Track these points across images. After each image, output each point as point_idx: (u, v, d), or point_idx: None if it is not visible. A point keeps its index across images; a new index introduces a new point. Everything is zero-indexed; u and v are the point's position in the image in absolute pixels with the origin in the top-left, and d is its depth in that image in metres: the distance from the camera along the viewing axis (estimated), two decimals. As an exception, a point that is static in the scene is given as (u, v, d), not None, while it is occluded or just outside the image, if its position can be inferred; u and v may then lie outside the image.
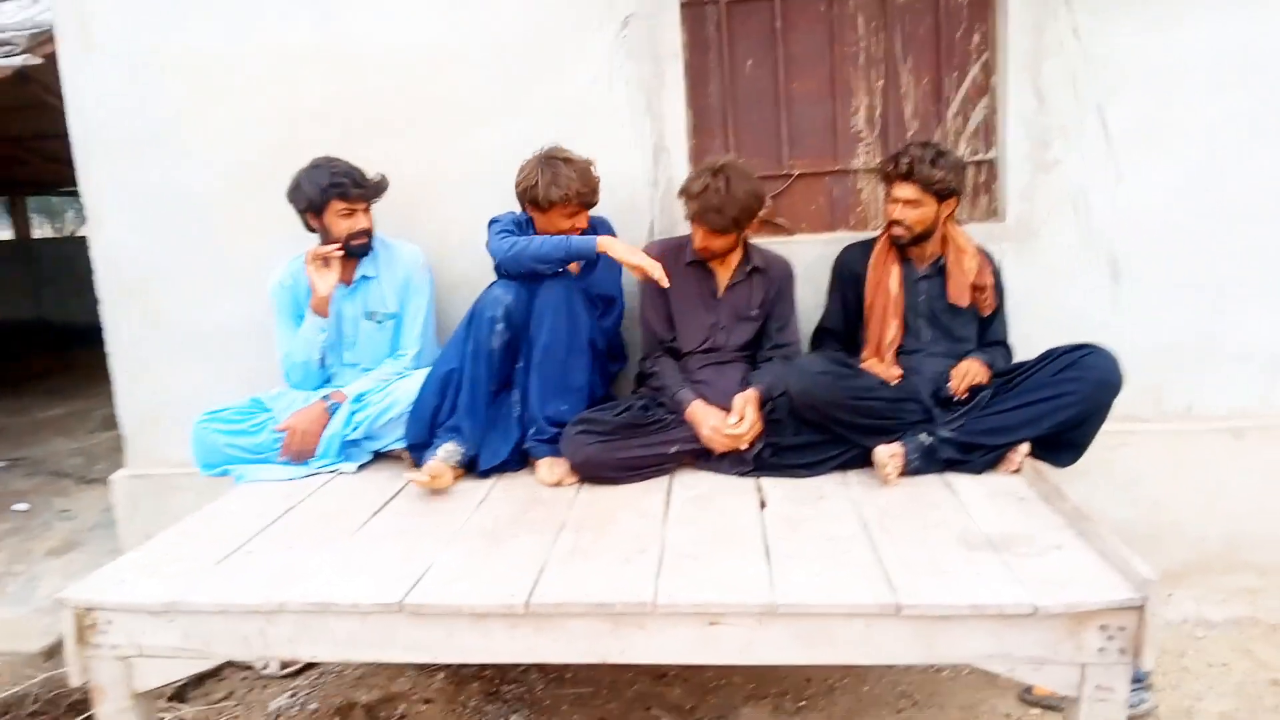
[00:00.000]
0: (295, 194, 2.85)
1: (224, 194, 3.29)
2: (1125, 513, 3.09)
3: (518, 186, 2.80)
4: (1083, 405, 2.43)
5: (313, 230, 2.94)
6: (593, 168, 2.79)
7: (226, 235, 3.31)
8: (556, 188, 2.69)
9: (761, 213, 2.81)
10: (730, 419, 2.58)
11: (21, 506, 4.48)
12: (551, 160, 2.74)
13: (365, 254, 2.96)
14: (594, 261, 2.81)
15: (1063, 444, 2.50)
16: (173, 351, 3.39)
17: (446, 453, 2.64)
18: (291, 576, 2.04)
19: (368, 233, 2.92)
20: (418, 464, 2.69)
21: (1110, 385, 2.44)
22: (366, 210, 2.92)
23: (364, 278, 3.00)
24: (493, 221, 2.83)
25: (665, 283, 2.63)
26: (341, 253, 2.85)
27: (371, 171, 2.92)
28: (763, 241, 3.05)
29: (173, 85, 3.24)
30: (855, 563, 1.98)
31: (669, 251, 2.86)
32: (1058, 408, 2.44)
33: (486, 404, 2.76)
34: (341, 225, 2.86)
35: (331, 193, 2.82)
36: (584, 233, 2.83)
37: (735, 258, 2.86)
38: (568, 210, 2.74)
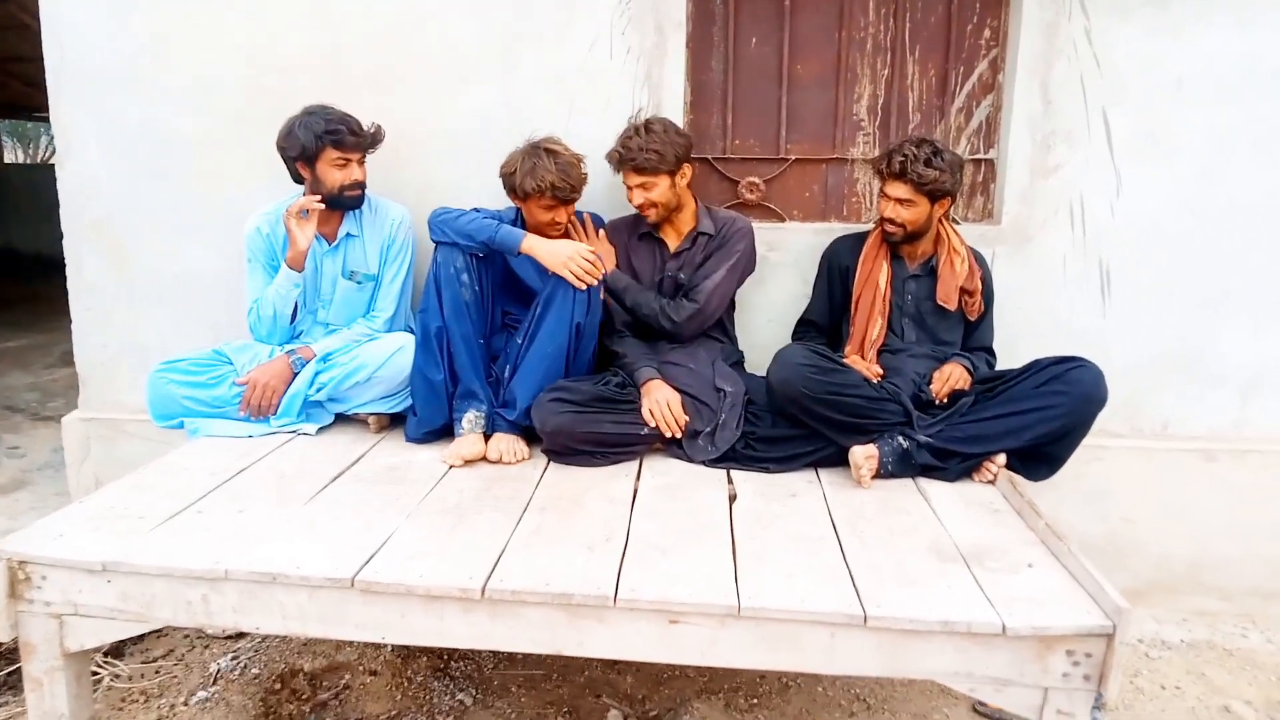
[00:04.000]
0: (288, 140, 2.73)
1: (199, 136, 3.15)
2: (1092, 527, 3.08)
3: (500, 171, 2.75)
4: (1065, 420, 2.39)
5: (300, 181, 2.82)
6: (581, 164, 2.72)
7: (199, 179, 3.18)
8: (531, 178, 2.63)
9: (689, 157, 2.75)
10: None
11: (-31, 442, 4.35)
12: (536, 149, 2.68)
13: (357, 206, 2.86)
14: None
15: (1040, 457, 2.46)
16: (136, 294, 3.27)
17: (471, 422, 2.59)
18: (241, 541, 1.96)
19: (361, 185, 2.81)
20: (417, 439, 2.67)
21: (1095, 401, 2.39)
22: (361, 162, 2.80)
23: (348, 235, 2.89)
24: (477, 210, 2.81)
25: (593, 281, 2.57)
26: (322, 205, 2.74)
27: (365, 122, 2.81)
28: (765, 228, 3.01)
29: (151, 18, 3.09)
30: (824, 566, 1.93)
31: (624, 224, 2.86)
32: (1040, 420, 2.39)
33: (485, 359, 2.71)
34: (334, 175, 2.74)
35: (326, 139, 2.70)
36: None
37: (687, 224, 2.82)
38: (544, 203, 2.68)
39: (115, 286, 3.27)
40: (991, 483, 2.44)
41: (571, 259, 2.54)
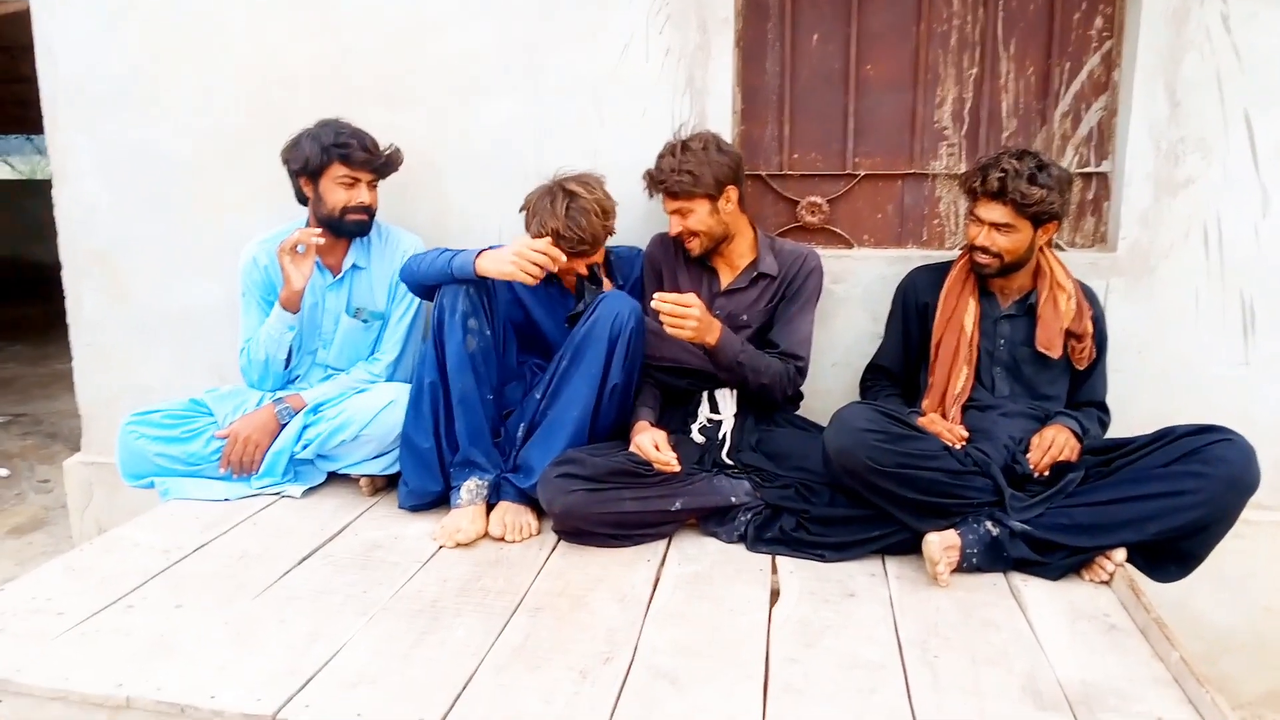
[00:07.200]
0: (293, 152, 2.43)
1: (200, 160, 2.89)
2: (1228, 618, 2.58)
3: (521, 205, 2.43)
4: (1204, 509, 1.87)
5: (304, 202, 2.51)
6: (606, 216, 2.32)
7: (201, 205, 2.91)
8: (535, 221, 2.30)
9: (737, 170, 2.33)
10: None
11: (1, 472, 4.20)
12: (555, 189, 2.31)
13: (361, 234, 2.53)
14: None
15: (1170, 554, 1.95)
16: (137, 330, 3.03)
17: (472, 491, 2.21)
18: (161, 653, 1.62)
19: (368, 210, 2.48)
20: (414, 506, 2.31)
21: (1243, 486, 1.88)
22: (372, 185, 2.49)
23: (354, 267, 2.56)
24: None
25: (538, 271, 2.13)
26: (321, 239, 2.41)
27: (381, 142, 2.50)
28: (830, 256, 2.59)
29: (149, 33, 2.84)
30: (879, 714, 1.48)
31: (671, 243, 2.43)
32: (1170, 509, 1.88)
33: (493, 417, 2.33)
34: (338, 195, 2.43)
35: (334, 153, 2.39)
36: (613, 266, 2.51)
37: (743, 258, 2.40)
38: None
39: (115, 321, 3.03)
40: (1106, 583, 1.94)
41: (519, 258, 2.12)
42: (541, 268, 2.13)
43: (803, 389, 2.54)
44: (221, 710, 1.46)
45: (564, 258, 2.19)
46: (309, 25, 2.74)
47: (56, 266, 3.04)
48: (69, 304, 3.05)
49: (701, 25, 2.55)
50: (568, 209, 2.24)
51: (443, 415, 2.25)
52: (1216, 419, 2.01)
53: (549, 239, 2.21)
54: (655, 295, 2.10)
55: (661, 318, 2.09)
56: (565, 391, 2.24)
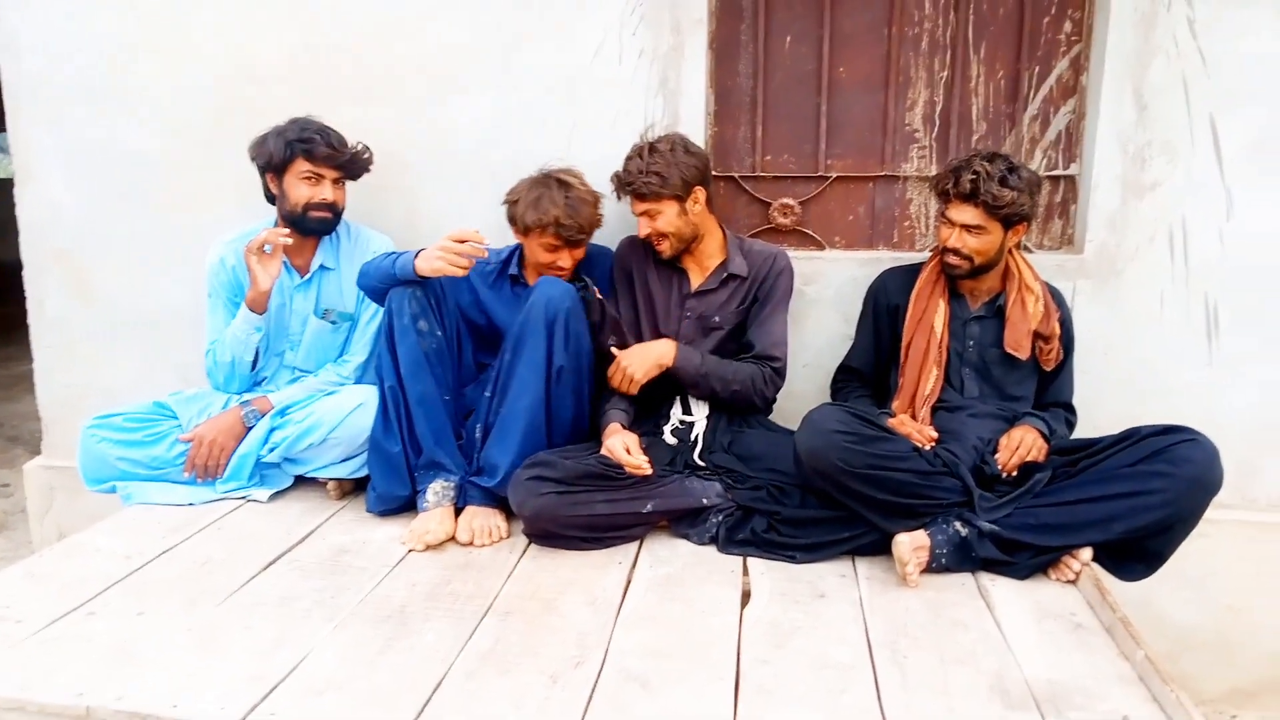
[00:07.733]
0: (258, 148, 2.42)
1: (168, 156, 2.84)
2: (1191, 616, 2.61)
3: (505, 198, 2.40)
4: (1169, 509, 1.90)
5: (273, 201, 2.49)
6: (596, 204, 2.36)
7: (169, 204, 2.87)
8: (534, 211, 2.28)
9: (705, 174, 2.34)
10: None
11: (-41, 477, 4.12)
12: (547, 179, 2.33)
13: (324, 232, 2.50)
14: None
15: (1135, 553, 1.97)
16: (102, 331, 2.97)
17: (438, 494, 2.20)
18: (123, 660, 1.59)
19: (332, 208, 2.45)
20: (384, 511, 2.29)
21: (1207, 486, 1.90)
22: (339, 183, 2.47)
23: (323, 268, 2.54)
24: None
25: (465, 261, 2.13)
26: (290, 239, 2.39)
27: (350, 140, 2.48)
28: (802, 258, 2.60)
29: (115, 28, 2.79)
30: (850, 714, 1.48)
31: (641, 244, 2.42)
32: (1136, 509, 1.90)
33: (454, 418, 2.31)
34: (301, 191, 2.41)
35: (297, 149, 2.37)
36: (582, 264, 2.45)
37: (712, 259, 2.41)
38: (545, 240, 2.31)
39: (78, 322, 2.98)
40: (1073, 583, 1.96)
41: (444, 252, 2.13)
42: (468, 257, 2.13)
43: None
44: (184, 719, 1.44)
45: (485, 250, 2.18)
46: (279, 20, 2.71)
47: (18, 266, 2.98)
48: (30, 304, 2.99)
49: (675, 26, 2.54)
50: (566, 199, 2.26)
51: (404, 418, 2.23)
52: (1181, 419, 2.03)
53: (546, 229, 2.26)
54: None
55: (613, 383, 2.25)
56: (513, 384, 2.22)
